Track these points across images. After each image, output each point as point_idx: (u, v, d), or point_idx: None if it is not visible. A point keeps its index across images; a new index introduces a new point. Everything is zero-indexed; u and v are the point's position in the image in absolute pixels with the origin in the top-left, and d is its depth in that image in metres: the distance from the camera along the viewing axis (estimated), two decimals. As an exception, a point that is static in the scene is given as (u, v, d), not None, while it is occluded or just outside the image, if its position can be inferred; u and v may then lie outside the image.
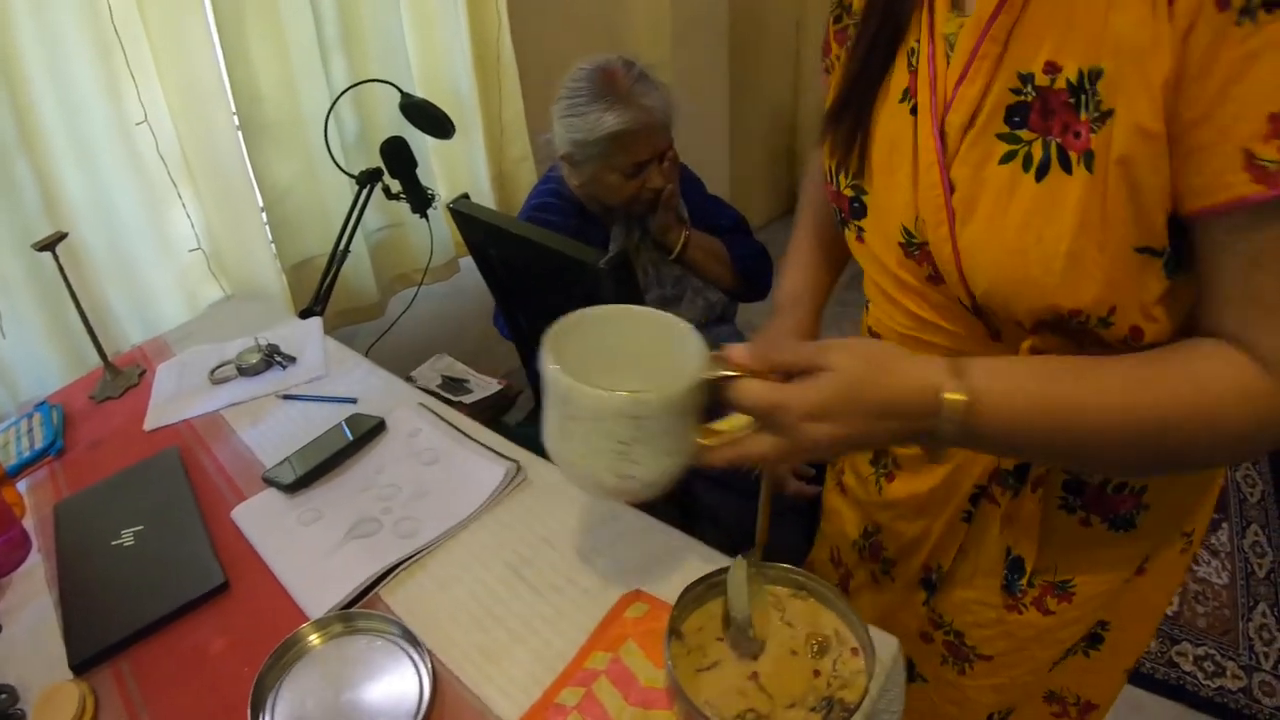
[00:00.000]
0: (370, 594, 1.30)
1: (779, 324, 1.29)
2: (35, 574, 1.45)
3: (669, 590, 1.16)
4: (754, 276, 2.40)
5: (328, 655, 1.19)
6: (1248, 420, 0.85)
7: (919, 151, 0.99)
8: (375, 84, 2.44)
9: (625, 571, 1.32)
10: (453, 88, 2.86)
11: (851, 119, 1.09)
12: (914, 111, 1.01)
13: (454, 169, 2.93)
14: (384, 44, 2.61)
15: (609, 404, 0.88)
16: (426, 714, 1.10)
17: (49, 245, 1.74)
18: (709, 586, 1.18)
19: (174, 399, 1.83)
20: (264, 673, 1.14)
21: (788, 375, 0.89)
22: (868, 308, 1.28)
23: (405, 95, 2.36)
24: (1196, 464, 1.04)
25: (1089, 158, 0.85)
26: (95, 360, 1.96)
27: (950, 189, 0.97)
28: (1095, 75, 0.83)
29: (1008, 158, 0.91)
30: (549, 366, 0.92)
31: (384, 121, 2.60)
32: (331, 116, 2.36)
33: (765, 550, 1.19)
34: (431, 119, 2.38)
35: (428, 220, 2.57)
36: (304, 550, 1.38)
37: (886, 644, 1.19)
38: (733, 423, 0.97)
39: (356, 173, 2.37)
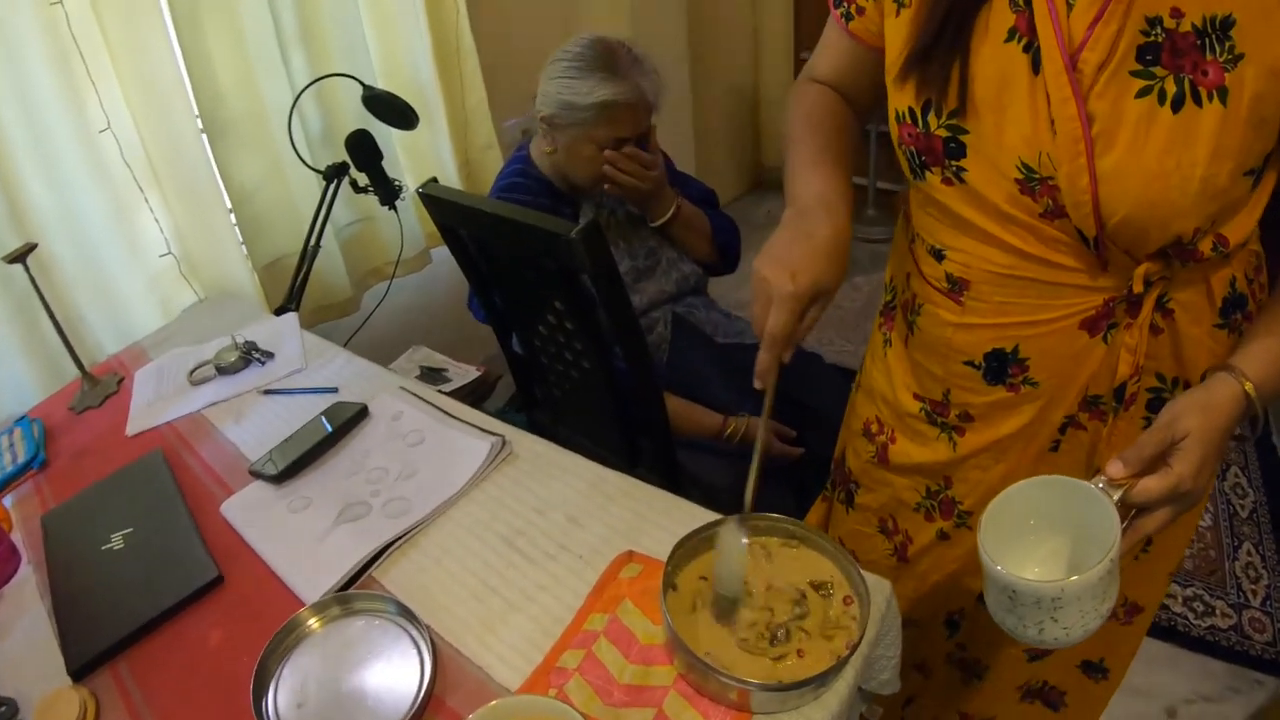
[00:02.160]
0: (365, 575, 1.30)
1: (811, 225, 1.15)
2: (27, 586, 1.44)
3: (661, 549, 1.17)
4: (727, 250, 2.42)
5: (327, 638, 1.20)
6: None
7: (1049, 88, 1.03)
8: (337, 78, 2.43)
9: (616, 534, 1.33)
10: (414, 78, 2.84)
11: (945, 57, 1.10)
12: (1028, 49, 1.04)
13: (420, 160, 2.91)
14: (343, 37, 2.58)
15: (1093, 578, 0.97)
16: (429, 688, 1.10)
17: (19, 257, 1.73)
18: (701, 540, 1.19)
19: (154, 403, 1.82)
20: (264, 660, 1.14)
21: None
22: (937, 258, 1.28)
23: (367, 88, 2.34)
24: None
25: (1223, 93, 0.95)
26: (72, 372, 1.94)
27: (1089, 121, 1.01)
28: (1225, 22, 0.93)
29: (1144, 92, 0.99)
30: (1029, 582, 1.00)
31: (348, 115, 2.58)
32: (295, 113, 2.34)
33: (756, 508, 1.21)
34: (395, 110, 2.37)
35: (396, 212, 2.56)
36: (295, 538, 1.38)
37: (880, 587, 1.20)
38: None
39: (322, 168, 2.36)
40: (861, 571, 1.15)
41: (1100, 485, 1.02)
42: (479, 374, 2.66)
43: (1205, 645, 2.69)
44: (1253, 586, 2.89)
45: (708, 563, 1.20)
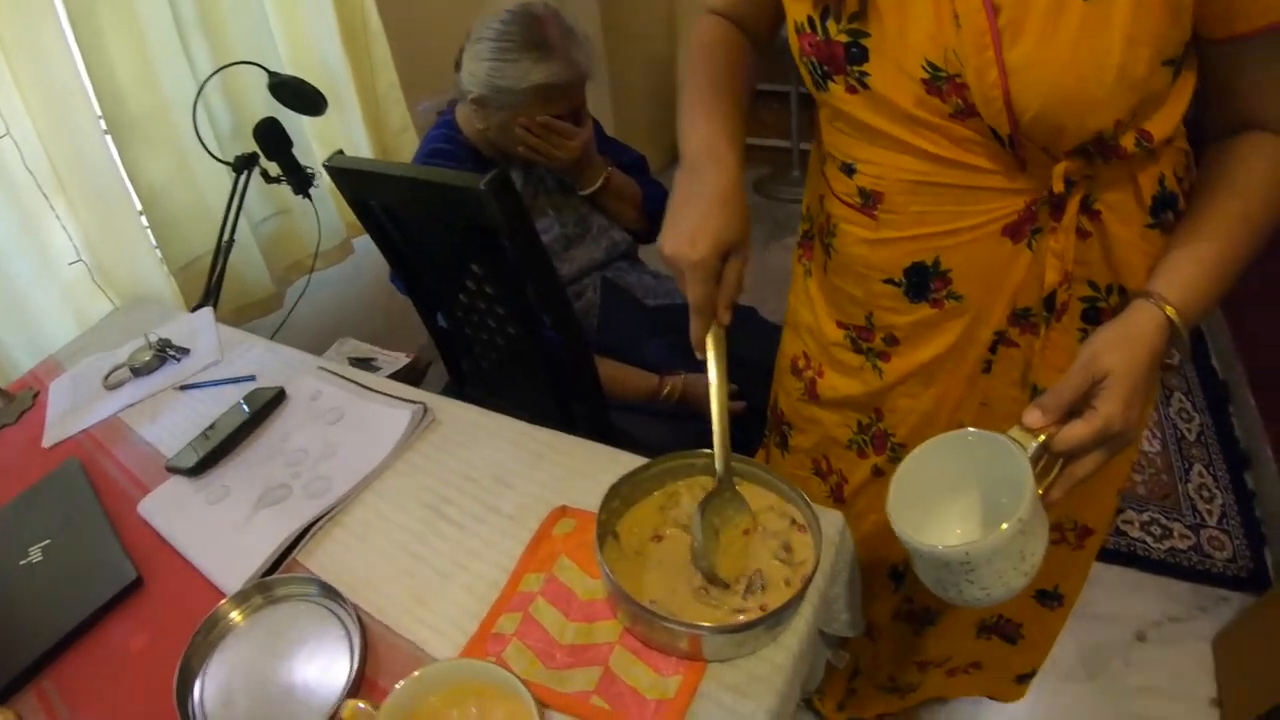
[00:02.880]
0: (288, 559, 1.25)
1: (702, 180, 1.13)
2: (-55, 613, 1.38)
3: (595, 501, 1.11)
4: (657, 217, 2.37)
5: (251, 630, 1.15)
6: None
7: None
8: (242, 66, 2.34)
9: (547, 491, 1.29)
10: (322, 63, 2.76)
11: None
12: None
13: (333, 147, 2.77)
14: (246, 24, 2.50)
15: (1000, 541, 0.93)
16: (359, 670, 1.05)
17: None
18: (634, 485, 1.16)
19: (70, 412, 1.75)
20: (185, 661, 1.09)
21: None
22: (848, 173, 1.24)
23: (273, 75, 2.27)
24: None
25: None
26: (-15, 392, 1.87)
27: (994, 12, 0.97)
28: None
29: None
30: (935, 549, 0.96)
31: (256, 105, 2.50)
32: (200, 105, 2.26)
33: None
34: (303, 96, 2.30)
35: (312, 202, 2.49)
36: (214, 529, 1.33)
37: (832, 520, 1.18)
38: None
39: (232, 160, 2.28)
40: (810, 503, 1.11)
41: (1017, 436, 0.98)
42: (409, 360, 2.60)
43: (1167, 567, 2.76)
44: (1207, 506, 2.97)
45: (649, 509, 1.17)
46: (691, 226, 1.07)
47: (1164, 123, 1.05)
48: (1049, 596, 1.70)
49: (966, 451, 1.03)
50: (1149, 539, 2.84)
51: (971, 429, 1.03)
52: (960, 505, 1.07)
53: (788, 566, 1.09)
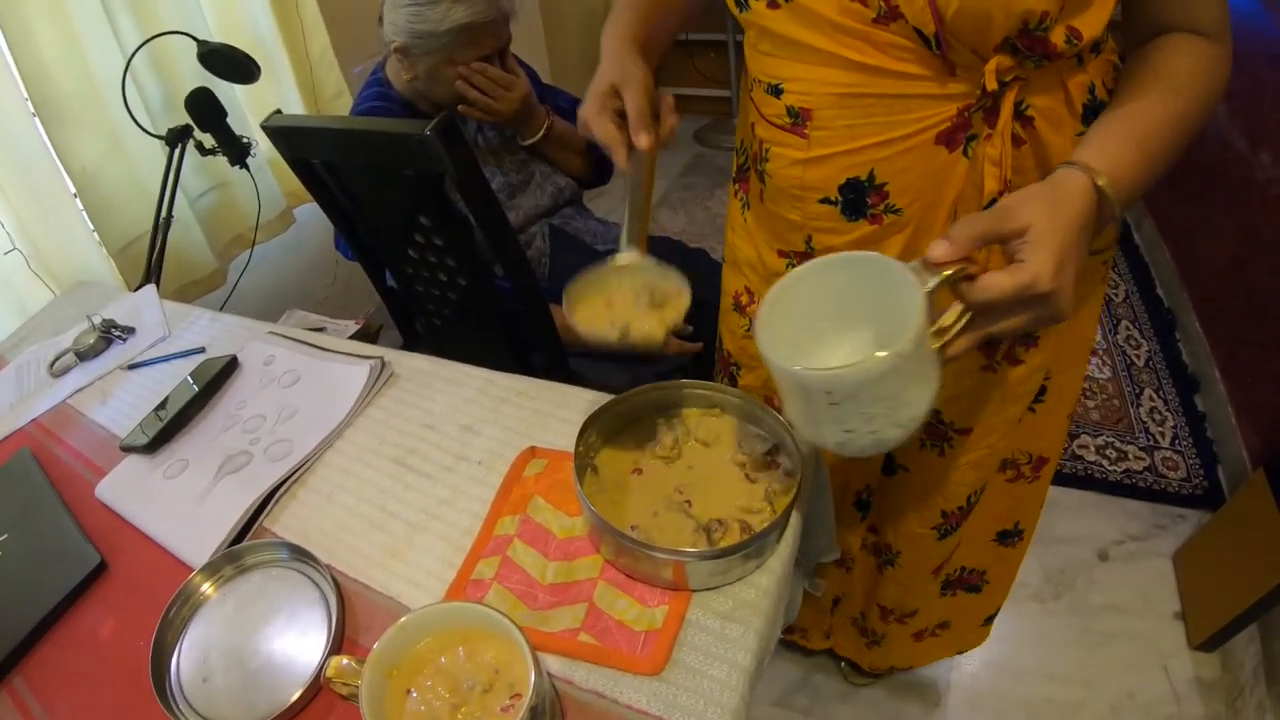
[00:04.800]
0: (255, 526, 1.23)
1: (616, 67, 1.18)
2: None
3: (564, 441, 1.12)
4: (602, 164, 2.37)
5: (223, 601, 1.12)
6: (1218, 82, 1.06)
7: None
8: (169, 37, 2.28)
9: (515, 434, 1.28)
10: (253, 30, 2.70)
11: None
12: None
13: (268, 115, 2.80)
14: (173, -8, 2.44)
15: (872, 370, 0.83)
16: (338, 630, 1.04)
17: None
18: (611, 418, 1.15)
19: (17, 404, 1.71)
20: (158, 639, 1.06)
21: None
22: (775, 95, 1.21)
23: (202, 44, 2.21)
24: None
25: None
26: (-75, 393, 1.81)
27: None
28: None
29: None
30: (791, 369, 0.88)
31: (186, 77, 2.43)
32: (129, 80, 2.19)
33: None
34: (235, 64, 2.24)
35: (250, 172, 2.45)
36: (175, 504, 1.29)
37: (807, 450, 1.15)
38: (953, 314, 0.93)
39: (164, 133, 2.23)
40: (786, 426, 1.10)
41: (916, 270, 0.89)
42: (359, 326, 2.57)
43: (1124, 489, 2.85)
44: (1159, 429, 3.07)
45: (627, 442, 1.17)
46: (615, 61, 1.17)
47: (1093, 20, 1.02)
48: (1009, 535, 1.72)
49: (864, 279, 0.95)
50: (1105, 462, 2.92)
51: (869, 252, 0.95)
52: (852, 339, 0.99)
53: (767, 496, 1.09)
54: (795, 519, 1.07)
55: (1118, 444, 2.98)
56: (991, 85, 1.04)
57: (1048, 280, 0.87)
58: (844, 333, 0.98)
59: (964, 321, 0.91)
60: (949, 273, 0.87)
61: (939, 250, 0.88)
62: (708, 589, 1.01)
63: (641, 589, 1.02)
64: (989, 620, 1.99)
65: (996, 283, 0.87)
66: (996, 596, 1.88)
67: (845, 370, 0.83)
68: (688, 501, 1.08)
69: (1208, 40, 1.04)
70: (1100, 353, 3.42)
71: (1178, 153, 1.04)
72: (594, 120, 1.12)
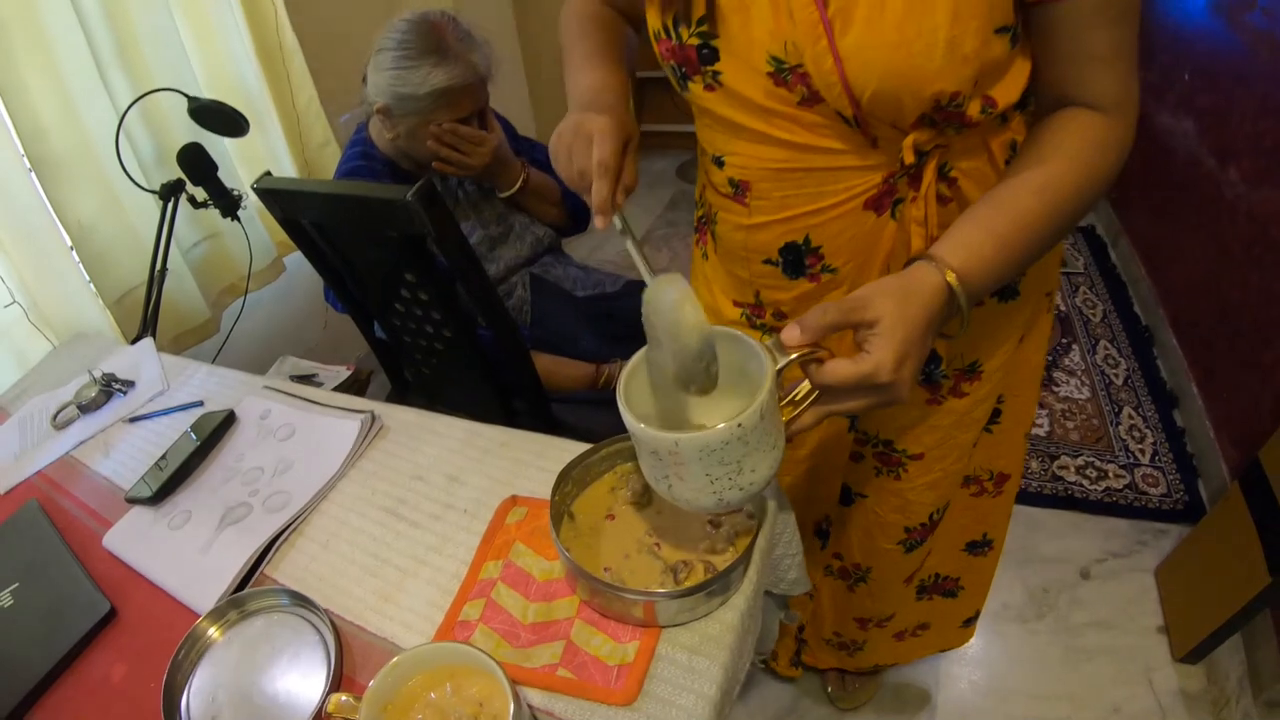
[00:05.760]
0: (257, 574, 1.29)
1: (592, 120, 1.15)
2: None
3: (543, 490, 1.20)
4: (577, 212, 2.44)
5: (229, 644, 1.18)
6: (1111, 162, 1.08)
7: None
8: (161, 94, 2.35)
9: (497, 484, 1.35)
10: (241, 84, 2.77)
11: None
12: None
13: (258, 166, 2.81)
14: (162, 52, 2.49)
15: (715, 436, 0.90)
16: (337, 669, 1.10)
17: None
18: (585, 469, 1.22)
19: (21, 456, 1.76)
20: (169, 680, 1.12)
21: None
22: (719, 166, 1.29)
23: (192, 99, 2.27)
24: (1090, 209, 1.18)
25: None
26: (-69, 445, 1.87)
27: (823, 4, 1.02)
28: None
29: None
30: (638, 429, 0.94)
31: (178, 131, 2.49)
32: (122, 136, 2.26)
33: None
34: (224, 119, 2.30)
35: (241, 223, 2.50)
36: (180, 553, 1.35)
37: (769, 488, 1.22)
38: (802, 389, 1.01)
39: (158, 188, 2.30)
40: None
41: (771, 347, 0.97)
42: (350, 373, 2.63)
43: (1105, 507, 2.86)
44: (1139, 446, 3.08)
45: (601, 490, 1.24)
46: (591, 104, 1.17)
47: (1009, 89, 1.10)
48: (979, 545, 1.78)
49: (731, 351, 1.01)
50: (1085, 481, 2.94)
51: (731, 329, 1.02)
52: (721, 404, 1.05)
53: (730, 537, 1.16)
54: (756, 558, 1.14)
55: (1098, 463, 3.01)
56: (909, 159, 1.13)
57: (887, 373, 0.93)
58: (716, 398, 1.04)
59: (812, 398, 0.99)
60: (797, 355, 0.95)
61: (791, 335, 0.95)
62: (676, 625, 1.09)
63: (615, 626, 1.10)
64: (968, 622, 2.04)
65: (840, 370, 0.95)
66: (974, 599, 1.95)
67: (691, 437, 0.90)
68: (657, 544, 1.16)
69: (1103, 116, 1.07)
70: (1079, 373, 3.46)
71: (1052, 238, 1.09)
72: (607, 133, 1.12)
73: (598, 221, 1.14)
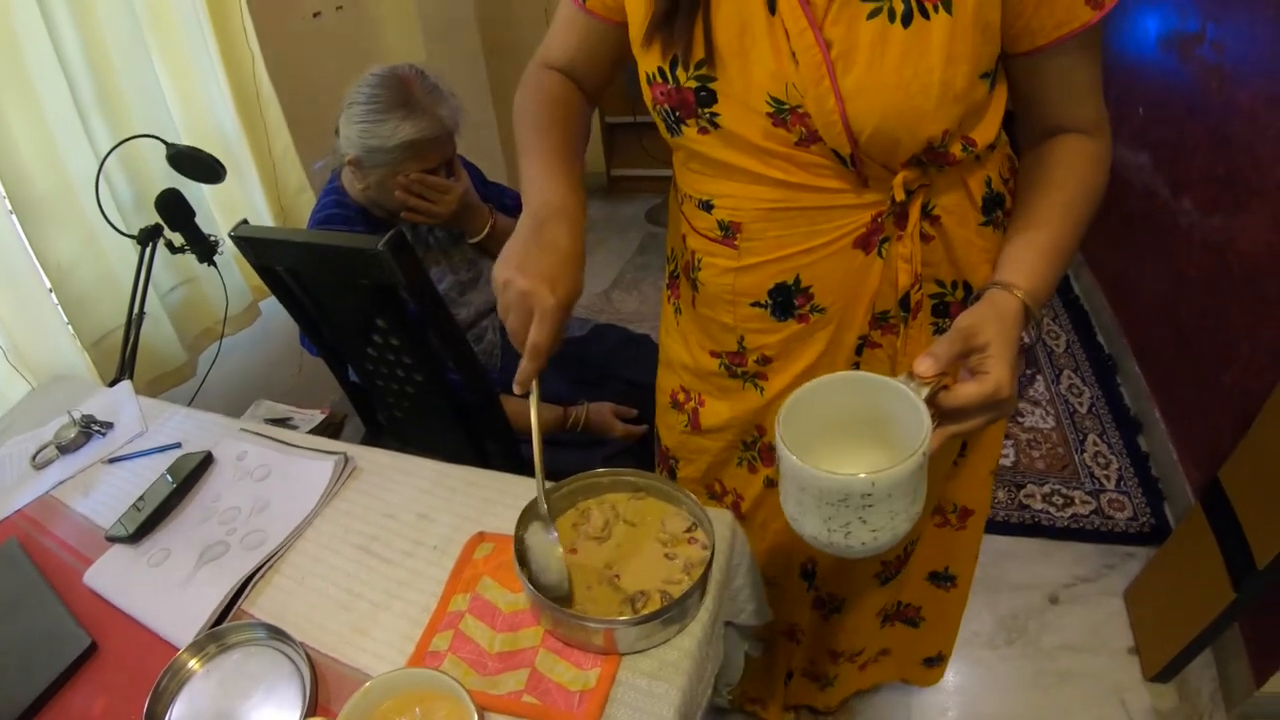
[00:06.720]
0: (234, 609, 1.34)
1: (553, 236, 1.18)
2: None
3: (509, 526, 1.24)
4: None
5: (208, 676, 1.22)
6: (1105, 174, 1.23)
7: (785, 23, 1.11)
8: (141, 140, 2.38)
9: (466, 521, 1.41)
10: (218, 131, 2.81)
11: (687, 14, 1.16)
12: None
13: (234, 211, 2.87)
14: (142, 98, 2.54)
15: (905, 472, 0.94)
16: (313, 698, 1.15)
17: None
18: (550, 504, 1.26)
19: (1, 495, 1.80)
20: (149, 711, 1.16)
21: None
22: (707, 210, 1.35)
23: (170, 146, 2.31)
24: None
25: (948, 3, 1.05)
26: (-91, 485, 1.89)
27: (827, 47, 1.10)
28: None
29: (874, 13, 1.08)
30: (833, 476, 0.96)
31: (156, 176, 2.53)
32: (102, 180, 2.29)
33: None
34: (202, 165, 2.34)
35: (217, 268, 2.54)
36: (160, 590, 1.39)
37: (721, 518, 1.30)
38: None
39: (136, 233, 2.33)
40: (701, 505, 1.24)
41: (906, 383, 1.01)
42: (324, 416, 2.68)
43: (1072, 533, 2.89)
44: (1105, 472, 3.12)
45: (564, 526, 1.30)
46: (551, 272, 1.13)
47: (986, 130, 1.20)
48: (941, 578, 1.83)
49: (849, 394, 1.07)
50: (1052, 509, 2.98)
51: (860, 371, 1.13)
52: (839, 448, 1.08)
53: (686, 568, 1.23)
54: (712, 587, 1.20)
55: (1064, 490, 3.06)
56: (900, 196, 1.21)
57: (1007, 387, 1.02)
58: (843, 439, 1.09)
59: (934, 424, 1.03)
60: (933, 384, 1.01)
61: (926, 366, 1.01)
62: (635, 652, 1.15)
63: (577, 654, 1.16)
64: (931, 662, 2.08)
65: (969, 392, 1.02)
66: (937, 636, 1.98)
67: (887, 472, 0.93)
68: (616, 576, 1.22)
69: (1090, 138, 1.21)
70: (1044, 403, 3.51)
71: (1076, 246, 1.20)
72: (552, 318, 1.13)
73: (516, 389, 1.18)
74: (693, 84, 1.19)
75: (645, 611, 1.14)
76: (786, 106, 1.15)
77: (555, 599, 1.15)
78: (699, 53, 1.17)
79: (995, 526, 2.91)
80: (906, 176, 1.21)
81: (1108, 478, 3.11)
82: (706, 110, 1.20)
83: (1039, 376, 3.67)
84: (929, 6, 1.06)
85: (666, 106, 1.25)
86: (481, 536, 1.36)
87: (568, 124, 1.38)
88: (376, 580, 1.34)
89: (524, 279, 1.12)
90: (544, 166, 1.28)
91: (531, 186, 1.27)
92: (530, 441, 1.18)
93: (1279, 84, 2.46)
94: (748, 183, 1.26)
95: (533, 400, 1.20)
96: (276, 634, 1.24)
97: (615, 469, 1.33)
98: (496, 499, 1.44)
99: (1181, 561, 2.38)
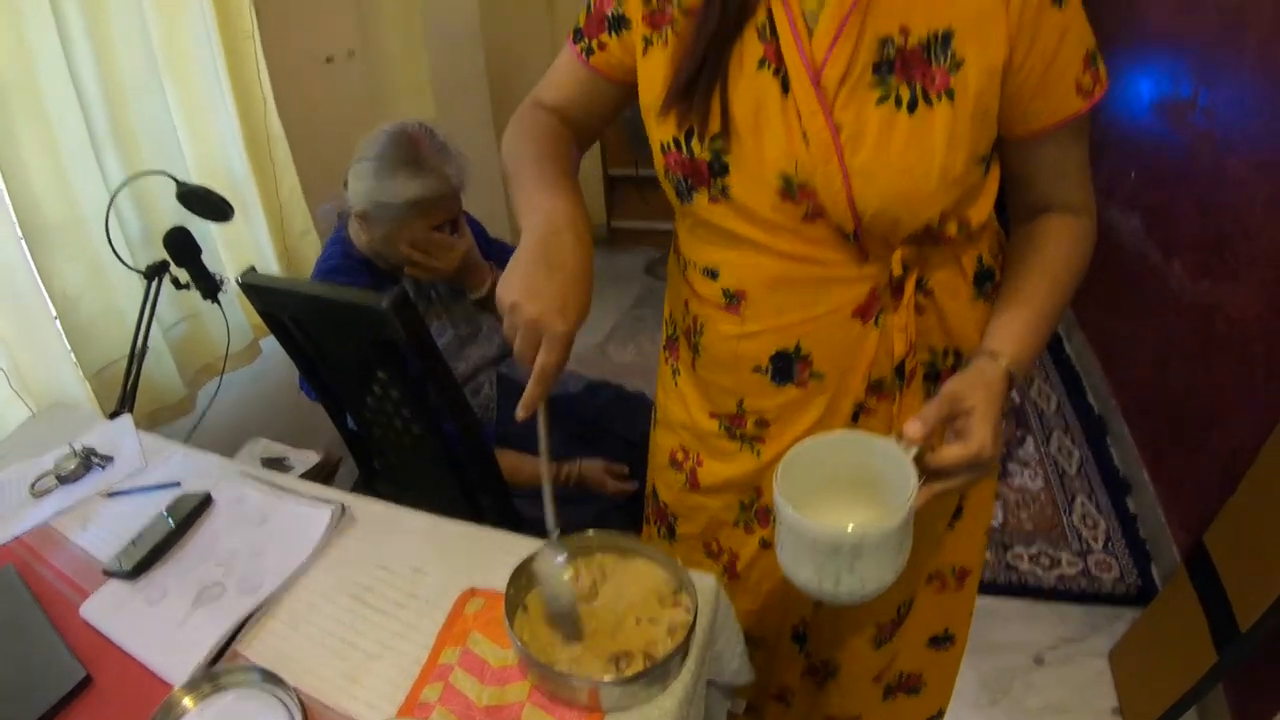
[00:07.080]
0: (229, 650, 1.37)
1: (562, 253, 1.13)
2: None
3: (500, 582, 1.28)
4: None
5: (202, 715, 1.25)
6: (1089, 251, 1.32)
7: (799, 104, 1.17)
8: (152, 176, 2.43)
9: (458, 575, 1.44)
10: (227, 171, 2.85)
11: (705, 90, 1.22)
12: (777, 74, 1.18)
13: (240, 250, 2.93)
14: (155, 134, 2.59)
15: (892, 527, 1.05)
16: (302, 744, 1.18)
17: None
18: (539, 564, 1.31)
19: (-1, 521, 1.82)
20: None
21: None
22: (712, 278, 1.40)
23: (180, 184, 2.35)
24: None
25: (950, 93, 1.13)
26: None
27: (836, 130, 1.16)
28: (946, 35, 1.11)
29: (882, 99, 1.15)
30: (824, 529, 1.07)
31: (165, 212, 2.57)
32: (112, 214, 2.33)
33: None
34: (210, 204, 2.38)
35: (221, 306, 2.58)
36: (157, 627, 1.42)
37: (705, 582, 1.34)
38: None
39: (143, 268, 2.36)
40: (686, 569, 1.28)
41: (896, 443, 1.12)
42: (320, 459, 2.71)
43: (1058, 594, 2.92)
44: (1092, 533, 3.15)
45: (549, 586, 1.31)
46: (561, 295, 1.09)
47: (980, 210, 1.28)
48: (941, 640, 1.84)
49: (841, 452, 1.18)
50: (1039, 570, 3.00)
51: (854, 431, 1.22)
52: (831, 503, 1.17)
53: (670, 630, 1.26)
54: (694, 649, 1.24)
55: (1051, 551, 3.08)
56: (898, 271, 1.28)
57: (990, 449, 1.11)
58: (834, 494, 1.19)
59: (921, 482, 1.10)
60: (920, 444, 1.10)
61: (914, 429, 1.10)
62: (619, 710, 1.18)
63: (563, 710, 1.19)
64: None
65: (954, 454, 1.11)
66: (937, 696, 1.97)
67: (876, 527, 1.04)
68: (602, 635, 1.26)
69: (1076, 216, 1.31)
70: (1033, 464, 3.53)
71: (1060, 317, 1.31)
72: (560, 343, 1.11)
73: (520, 412, 1.18)
74: (706, 155, 1.24)
75: (629, 673, 1.18)
76: (795, 182, 1.21)
77: (566, 621, 1.24)
78: (715, 126, 1.22)
79: (982, 586, 2.79)
80: (904, 253, 1.27)
81: (1095, 539, 3.14)
82: (719, 180, 1.26)
83: (1029, 437, 3.70)
84: (933, 95, 1.13)
85: (680, 175, 1.30)
86: (473, 592, 1.39)
87: (566, 158, 1.36)
88: (370, 630, 1.37)
89: (532, 306, 1.09)
90: (545, 188, 1.25)
91: (531, 206, 1.22)
92: (524, 496, 1.22)
93: (1268, 150, 2.53)
94: (754, 252, 1.31)
95: (540, 418, 1.22)
96: (270, 678, 1.26)
97: (605, 531, 1.37)
98: (488, 554, 1.48)
99: (1166, 623, 2.41)
